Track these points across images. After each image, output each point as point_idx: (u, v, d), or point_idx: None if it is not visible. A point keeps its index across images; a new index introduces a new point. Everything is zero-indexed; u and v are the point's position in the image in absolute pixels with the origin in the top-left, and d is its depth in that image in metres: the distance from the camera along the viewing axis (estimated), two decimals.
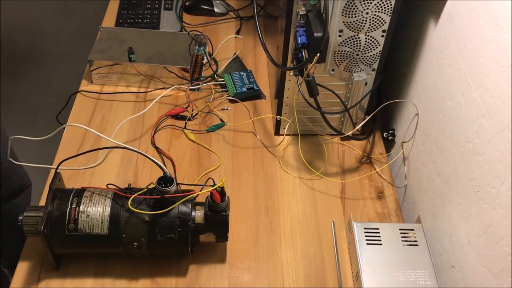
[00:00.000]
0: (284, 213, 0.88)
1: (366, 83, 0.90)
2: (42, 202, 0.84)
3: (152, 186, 0.75)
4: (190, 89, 1.08)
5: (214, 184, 0.73)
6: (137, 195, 0.74)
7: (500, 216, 0.63)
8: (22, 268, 0.78)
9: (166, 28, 1.22)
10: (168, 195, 0.73)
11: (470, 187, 0.71)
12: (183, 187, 0.85)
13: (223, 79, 1.09)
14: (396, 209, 0.90)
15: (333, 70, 0.89)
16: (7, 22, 2.32)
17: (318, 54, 0.76)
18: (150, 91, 1.07)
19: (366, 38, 0.85)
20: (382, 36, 0.84)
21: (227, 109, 1.05)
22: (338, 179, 0.94)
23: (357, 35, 0.84)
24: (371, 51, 0.87)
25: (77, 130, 0.98)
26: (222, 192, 0.73)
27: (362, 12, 0.81)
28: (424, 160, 0.87)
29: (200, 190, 0.74)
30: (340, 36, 0.84)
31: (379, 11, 0.81)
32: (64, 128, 0.97)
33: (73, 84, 1.29)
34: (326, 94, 0.91)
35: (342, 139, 1.01)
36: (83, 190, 0.77)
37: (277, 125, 0.99)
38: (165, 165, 0.86)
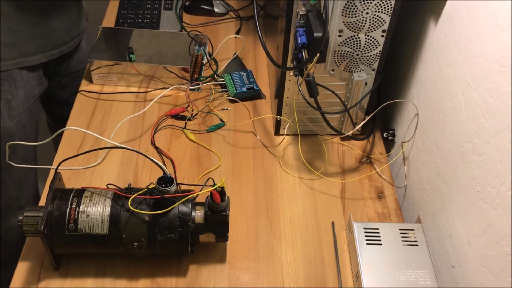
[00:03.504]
0: (284, 213, 0.88)
1: (366, 83, 0.90)
2: (42, 202, 0.84)
3: (152, 186, 0.75)
4: (190, 89, 1.08)
5: (214, 184, 0.73)
6: (137, 195, 0.74)
7: (500, 216, 0.63)
8: (22, 268, 0.78)
9: (166, 28, 1.22)
10: (168, 195, 0.73)
11: (470, 187, 0.71)
12: (183, 187, 0.85)
13: (223, 79, 1.09)
14: (396, 209, 0.90)
15: (333, 70, 0.89)
16: None
17: (318, 54, 0.76)
18: (150, 91, 1.07)
19: (366, 38, 0.85)
20: (382, 36, 0.84)
21: (227, 109, 1.05)
22: (338, 179, 0.94)
23: (357, 35, 0.84)
24: (371, 51, 0.87)
25: (77, 130, 0.98)
26: (222, 192, 0.73)
27: (362, 12, 0.81)
28: (424, 160, 0.87)
29: (200, 190, 0.74)
30: (340, 36, 0.84)
31: (379, 11, 0.81)
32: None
33: None
34: (326, 94, 0.91)
35: (342, 139, 1.01)
36: (83, 190, 0.77)
37: (277, 125, 0.99)
38: (165, 165, 0.86)
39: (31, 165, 1.08)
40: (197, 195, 0.75)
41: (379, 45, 0.86)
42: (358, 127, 0.92)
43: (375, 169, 0.96)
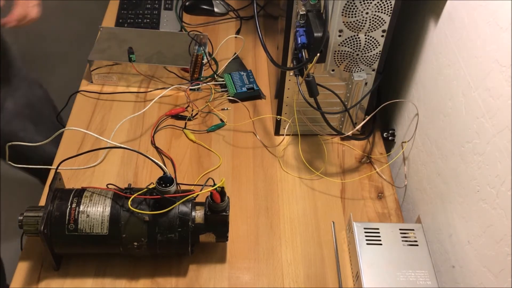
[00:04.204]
0: (284, 213, 0.88)
1: (366, 83, 0.90)
2: (42, 202, 0.84)
3: (152, 186, 0.75)
4: (190, 89, 1.08)
5: (214, 184, 0.73)
6: (137, 195, 0.74)
7: (500, 216, 0.63)
8: (22, 268, 0.78)
9: (166, 28, 1.22)
10: (168, 195, 0.73)
11: (470, 187, 0.71)
12: (183, 187, 0.85)
13: (223, 79, 1.09)
14: (396, 209, 0.90)
15: (333, 70, 0.89)
16: None
17: (318, 54, 0.76)
18: (150, 91, 1.07)
19: (366, 38, 0.85)
20: (382, 36, 0.84)
21: (227, 109, 1.05)
22: (338, 179, 0.94)
23: (357, 35, 0.84)
24: (371, 51, 0.87)
25: (77, 130, 0.98)
26: (222, 192, 0.73)
27: (362, 12, 0.81)
28: (424, 160, 0.87)
29: (200, 190, 0.74)
30: (340, 36, 0.84)
31: (379, 11, 0.81)
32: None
33: (73, 84, 1.29)
34: (326, 94, 0.91)
35: (342, 139, 1.01)
36: (83, 190, 0.77)
37: (277, 125, 0.99)
38: (165, 165, 0.86)
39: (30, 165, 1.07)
40: (197, 195, 0.75)
41: (379, 45, 0.86)
42: (358, 127, 0.92)
43: (375, 169, 0.96)
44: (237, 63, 1.15)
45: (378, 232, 0.81)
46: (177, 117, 1.03)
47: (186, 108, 1.04)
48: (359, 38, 0.84)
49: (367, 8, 0.80)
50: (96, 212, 0.74)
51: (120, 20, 1.22)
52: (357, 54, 0.87)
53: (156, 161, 0.73)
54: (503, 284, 0.62)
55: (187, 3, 1.29)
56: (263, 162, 0.96)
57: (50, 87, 2.11)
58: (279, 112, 0.96)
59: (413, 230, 0.82)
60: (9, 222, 1.26)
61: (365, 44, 0.85)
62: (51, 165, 0.91)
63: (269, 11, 1.16)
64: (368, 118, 0.93)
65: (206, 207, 0.75)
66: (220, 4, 1.29)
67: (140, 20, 1.22)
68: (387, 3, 0.80)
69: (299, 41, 0.81)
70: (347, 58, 0.87)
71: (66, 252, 0.79)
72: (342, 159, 0.98)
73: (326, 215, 0.89)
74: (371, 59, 0.88)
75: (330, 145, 1.00)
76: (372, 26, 0.83)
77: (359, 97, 0.92)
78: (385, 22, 0.82)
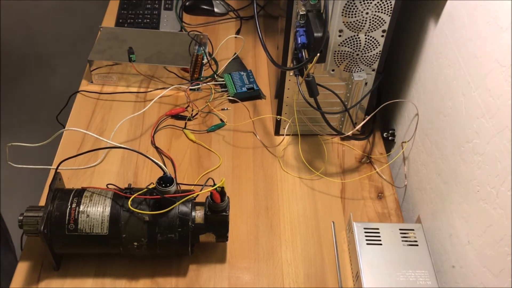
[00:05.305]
0: (284, 213, 0.88)
1: (366, 83, 0.90)
2: (42, 202, 0.84)
3: (152, 186, 0.75)
4: (190, 89, 1.08)
5: (214, 184, 0.73)
6: (137, 195, 0.74)
7: (500, 216, 0.63)
8: (22, 268, 0.78)
9: (166, 28, 1.22)
10: (168, 195, 0.73)
11: (470, 187, 0.71)
12: (183, 187, 0.85)
13: (223, 79, 1.09)
14: (396, 209, 0.90)
15: (333, 70, 0.89)
16: (7, 22, 2.32)
17: (318, 54, 0.76)
18: (150, 91, 1.07)
19: (366, 38, 0.85)
20: (382, 36, 0.84)
21: (227, 109, 1.05)
22: (338, 179, 0.94)
23: (357, 35, 0.84)
24: (371, 51, 0.87)
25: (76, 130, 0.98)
26: (222, 192, 0.74)
27: (362, 12, 0.81)
28: (424, 160, 0.87)
29: (200, 190, 0.74)
30: (340, 36, 0.84)
31: (379, 11, 0.81)
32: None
33: (73, 84, 1.29)
34: (326, 94, 0.91)
35: (342, 139, 1.01)
36: (83, 190, 0.77)
37: (277, 125, 0.99)
38: (165, 165, 0.86)
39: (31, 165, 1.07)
40: (197, 195, 0.75)
41: (379, 45, 0.86)
42: (358, 127, 0.92)
43: (375, 169, 0.96)
44: (237, 63, 1.15)
45: (378, 232, 0.81)
46: (177, 117, 1.03)
47: (186, 108, 1.04)
48: (359, 38, 0.84)
49: (367, 8, 0.80)
50: (96, 212, 0.74)
51: (120, 20, 1.22)
52: (357, 54, 0.87)
53: (156, 161, 0.73)
54: (503, 284, 0.62)
55: (187, 3, 1.29)
56: (263, 162, 0.96)
57: (50, 87, 2.12)
58: (279, 112, 0.96)
59: (413, 230, 0.82)
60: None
61: (365, 44, 0.85)
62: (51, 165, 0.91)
63: (269, 11, 1.16)
64: (368, 118, 0.93)
65: (206, 207, 0.75)
66: (220, 4, 1.29)
67: (140, 20, 1.22)
68: (387, 3, 0.80)
69: (299, 41, 0.81)
70: (347, 58, 0.87)
71: (66, 252, 0.79)
72: (342, 159, 0.98)
73: (326, 215, 0.89)
74: (371, 59, 0.88)
75: (330, 145, 1.00)
76: (372, 26, 0.83)
77: (359, 97, 0.92)
78: (385, 22, 0.82)
